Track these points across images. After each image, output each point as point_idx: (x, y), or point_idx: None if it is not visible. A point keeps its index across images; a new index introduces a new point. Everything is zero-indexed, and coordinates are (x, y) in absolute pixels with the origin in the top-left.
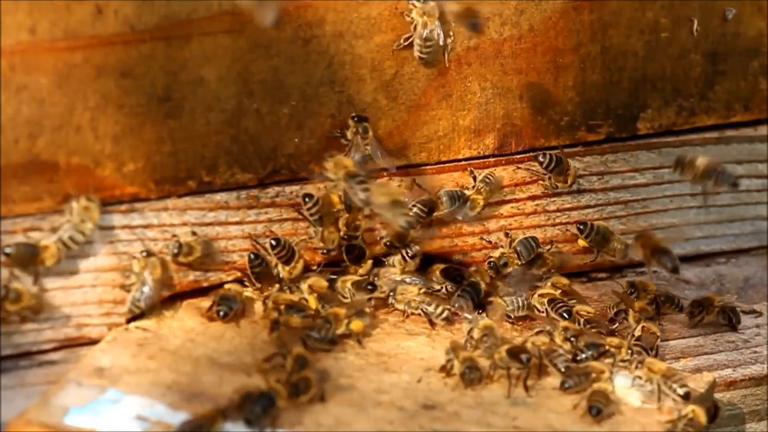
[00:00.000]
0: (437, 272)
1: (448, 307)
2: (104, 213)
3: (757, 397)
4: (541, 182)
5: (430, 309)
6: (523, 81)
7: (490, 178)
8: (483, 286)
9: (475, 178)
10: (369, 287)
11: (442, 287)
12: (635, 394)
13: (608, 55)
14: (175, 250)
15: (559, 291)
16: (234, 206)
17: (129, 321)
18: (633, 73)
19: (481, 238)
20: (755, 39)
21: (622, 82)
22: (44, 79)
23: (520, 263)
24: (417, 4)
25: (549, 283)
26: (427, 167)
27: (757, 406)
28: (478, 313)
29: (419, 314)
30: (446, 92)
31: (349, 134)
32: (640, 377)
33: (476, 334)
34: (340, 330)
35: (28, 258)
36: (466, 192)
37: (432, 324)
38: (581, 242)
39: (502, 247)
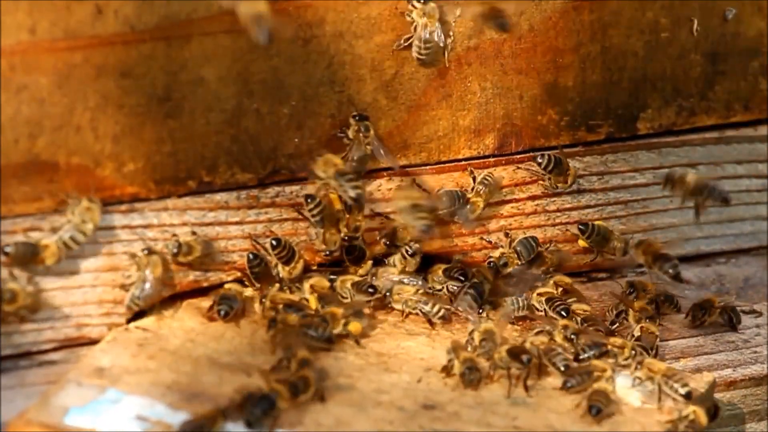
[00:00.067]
0: (439, 272)
1: (446, 306)
2: (104, 213)
3: (757, 397)
4: (541, 182)
5: (427, 308)
6: (523, 81)
7: (489, 179)
8: (487, 285)
9: (474, 179)
10: (369, 290)
11: (443, 287)
12: (635, 394)
13: (608, 55)
14: (175, 250)
15: (560, 289)
16: (234, 206)
17: (129, 321)
18: (633, 73)
19: (481, 238)
20: (755, 39)
21: (622, 82)
22: (44, 79)
23: (520, 263)
24: (417, 5)
25: (551, 282)
26: (427, 167)
27: (757, 406)
28: (479, 313)
29: (416, 314)
30: (446, 92)
31: (350, 133)
32: (640, 378)
33: (476, 336)
34: (337, 329)
35: (29, 257)
36: (467, 194)
37: (431, 324)
38: (582, 243)
39: (502, 247)
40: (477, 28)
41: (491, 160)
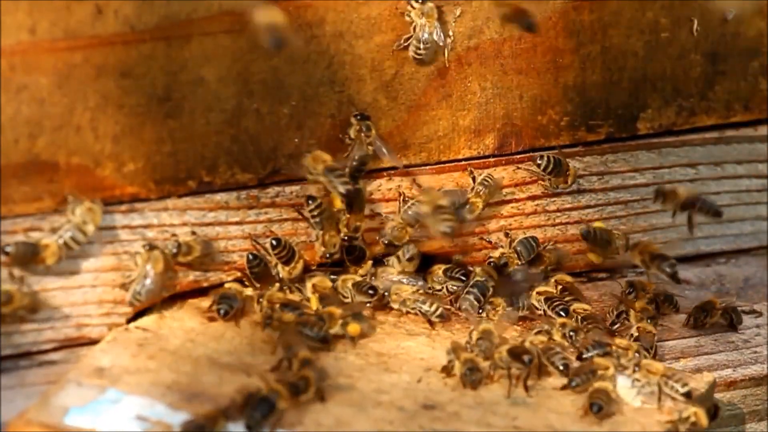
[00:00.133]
0: (439, 272)
1: (444, 305)
2: (104, 213)
3: (757, 397)
4: (541, 182)
5: (425, 307)
6: (523, 81)
7: (489, 180)
8: (491, 284)
9: (474, 179)
10: (370, 291)
11: (443, 287)
12: (635, 394)
13: (608, 55)
14: (174, 250)
15: (559, 288)
16: (234, 206)
17: (129, 321)
18: (633, 73)
19: (481, 238)
20: (755, 39)
21: (622, 82)
22: (44, 79)
23: (520, 263)
24: (415, 5)
25: (551, 281)
26: (427, 167)
27: (757, 406)
28: (479, 314)
29: (415, 314)
30: (446, 92)
31: (352, 132)
32: (638, 379)
33: (474, 336)
34: (334, 329)
35: (29, 257)
36: (467, 194)
37: (431, 324)
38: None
39: (502, 247)
40: (477, 28)
41: (491, 160)
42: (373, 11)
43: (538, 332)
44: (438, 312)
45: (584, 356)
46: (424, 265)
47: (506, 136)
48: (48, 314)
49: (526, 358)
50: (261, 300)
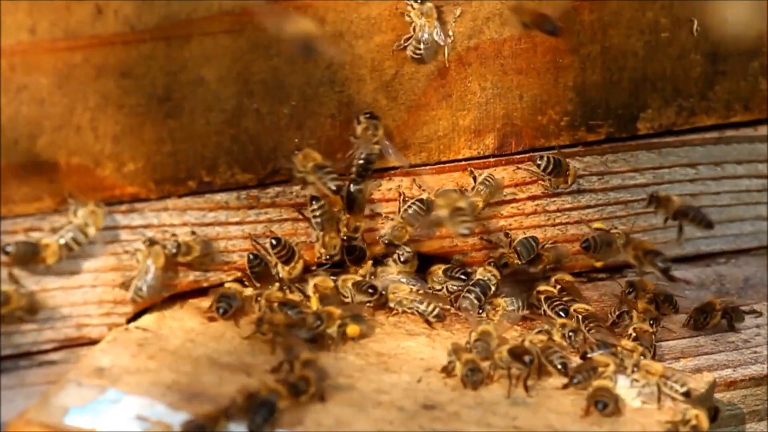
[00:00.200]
0: (439, 272)
1: (441, 305)
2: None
3: (757, 397)
4: (541, 182)
5: (422, 307)
6: (523, 81)
7: (490, 180)
8: (492, 284)
9: (475, 179)
10: (369, 290)
11: (443, 287)
12: (635, 394)
13: (608, 55)
14: (174, 250)
15: (558, 287)
16: (234, 206)
17: (129, 321)
18: (633, 73)
19: (481, 238)
20: (755, 39)
21: (622, 82)
22: (44, 79)
23: (520, 263)
24: (415, 5)
25: (552, 280)
26: (427, 167)
27: (757, 406)
28: (479, 314)
29: (412, 313)
30: (446, 92)
31: (358, 131)
32: (637, 380)
33: (472, 336)
34: (332, 329)
35: (29, 256)
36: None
37: (428, 323)
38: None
39: (502, 247)
40: (477, 28)
41: (491, 160)
42: (373, 11)
43: (539, 332)
44: (435, 312)
45: (588, 356)
46: (424, 265)
47: (506, 136)
48: (48, 314)
49: (526, 358)
50: (259, 299)
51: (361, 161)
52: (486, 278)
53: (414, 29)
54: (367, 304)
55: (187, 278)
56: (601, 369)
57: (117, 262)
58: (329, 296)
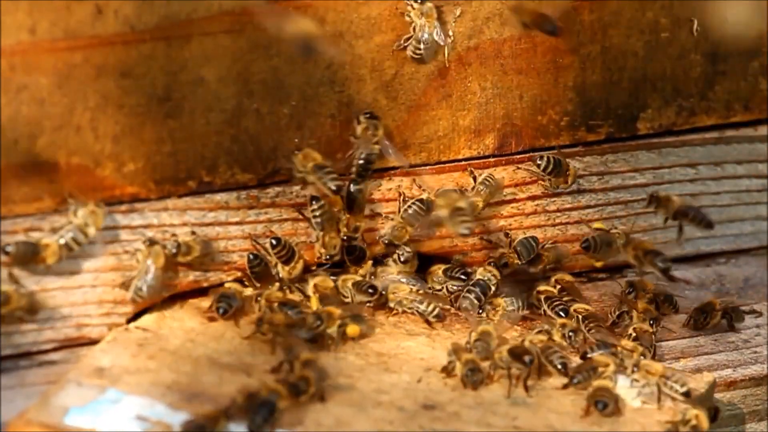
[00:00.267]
0: (439, 272)
1: (441, 305)
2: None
3: (757, 397)
4: (541, 182)
5: (422, 307)
6: (523, 81)
7: (490, 180)
8: (492, 284)
9: (475, 179)
10: (369, 290)
11: (443, 287)
12: (635, 394)
13: (608, 55)
14: (174, 250)
15: (558, 287)
16: (234, 206)
17: (129, 321)
18: (633, 73)
19: (481, 238)
20: (755, 39)
21: (622, 82)
22: (44, 79)
23: (520, 263)
24: (414, 5)
25: (553, 280)
26: (427, 167)
27: (757, 406)
28: (479, 314)
29: (412, 313)
30: (446, 92)
31: (359, 131)
32: (637, 380)
33: (471, 337)
34: (332, 329)
35: (29, 256)
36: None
37: (429, 323)
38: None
39: (502, 247)
40: (477, 28)
41: (491, 160)
42: (373, 11)
43: (539, 332)
44: (435, 312)
45: (588, 356)
46: (424, 265)
47: (506, 136)
48: (48, 314)
49: (527, 358)
50: (259, 299)
51: (361, 161)
52: (486, 278)
53: (414, 29)
54: (367, 304)
55: (187, 278)
56: (601, 369)
57: (117, 262)
58: (329, 296)
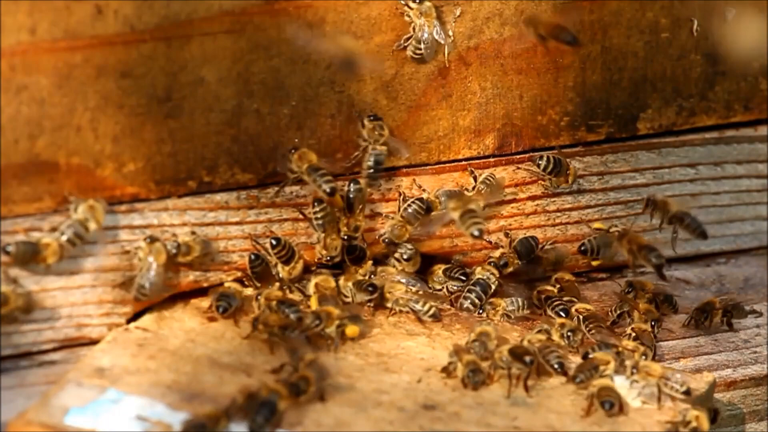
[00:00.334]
0: (439, 272)
1: (437, 304)
2: (106, 212)
3: (757, 397)
4: (541, 182)
5: (418, 306)
6: (523, 81)
7: (491, 179)
8: (493, 283)
9: (475, 179)
10: (369, 288)
11: (443, 287)
12: (636, 394)
13: (608, 55)
14: (174, 250)
15: (558, 287)
16: (234, 206)
17: (129, 321)
18: (633, 73)
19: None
20: (755, 39)
21: (622, 82)
22: (44, 79)
23: (519, 263)
24: (413, 5)
25: (553, 280)
26: (427, 167)
27: (757, 406)
28: (479, 314)
29: (407, 312)
30: (446, 92)
31: (365, 133)
32: (637, 381)
33: (471, 338)
34: (330, 329)
35: (30, 256)
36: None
37: (422, 322)
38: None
39: (502, 247)
40: (477, 28)
41: (491, 160)
42: (373, 11)
43: (538, 332)
44: (430, 311)
45: (589, 356)
46: (425, 265)
47: (506, 136)
48: (48, 314)
49: (527, 358)
50: (259, 298)
51: (370, 162)
52: (486, 278)
53: (414, 29)
54: (368, 304)
55: (187, 278)
56: (602, 367)
57: (117, 262)
58: (328, 296)
